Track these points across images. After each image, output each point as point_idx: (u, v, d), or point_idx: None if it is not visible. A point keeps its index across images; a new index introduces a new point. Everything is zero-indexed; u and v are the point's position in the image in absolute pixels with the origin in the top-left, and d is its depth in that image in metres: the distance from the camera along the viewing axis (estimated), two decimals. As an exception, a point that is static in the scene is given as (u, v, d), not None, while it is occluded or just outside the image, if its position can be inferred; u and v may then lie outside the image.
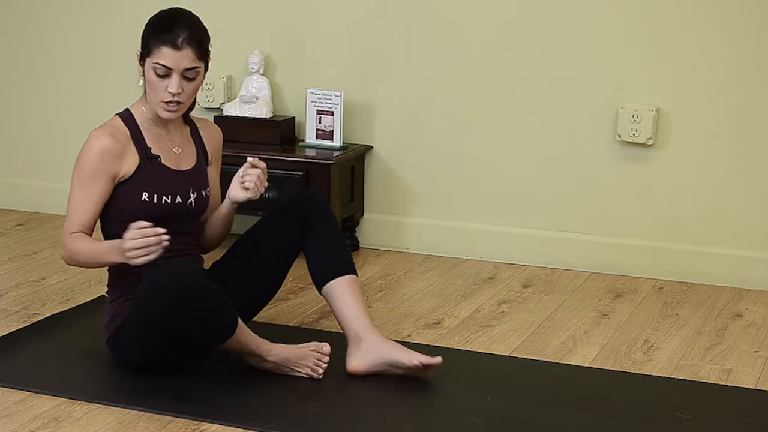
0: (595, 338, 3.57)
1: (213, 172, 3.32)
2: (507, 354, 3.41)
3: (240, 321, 3.03)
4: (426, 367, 3.11)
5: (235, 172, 3.22)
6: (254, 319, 3.37)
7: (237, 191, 3.21)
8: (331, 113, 4.34)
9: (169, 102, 3.08)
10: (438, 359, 3.11)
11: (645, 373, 3.28)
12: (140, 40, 3.10)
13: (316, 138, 4.38)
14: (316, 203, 3.30)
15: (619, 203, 4.22)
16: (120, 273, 3.14)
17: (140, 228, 2.89)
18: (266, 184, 3.19)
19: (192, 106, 3.26)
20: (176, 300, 2.89)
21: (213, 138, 3.33)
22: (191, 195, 3.17)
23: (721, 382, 3.23)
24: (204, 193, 3.22)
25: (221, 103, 4.55)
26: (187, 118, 3.28)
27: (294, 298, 3.85)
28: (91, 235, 3.08)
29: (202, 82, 3.15)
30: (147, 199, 3.10)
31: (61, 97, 4.83)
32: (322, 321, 3.64)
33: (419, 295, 3.96)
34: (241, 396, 3.01)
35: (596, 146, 4.22)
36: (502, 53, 4.26)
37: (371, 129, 4.46)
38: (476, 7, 4.26)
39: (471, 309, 3.82)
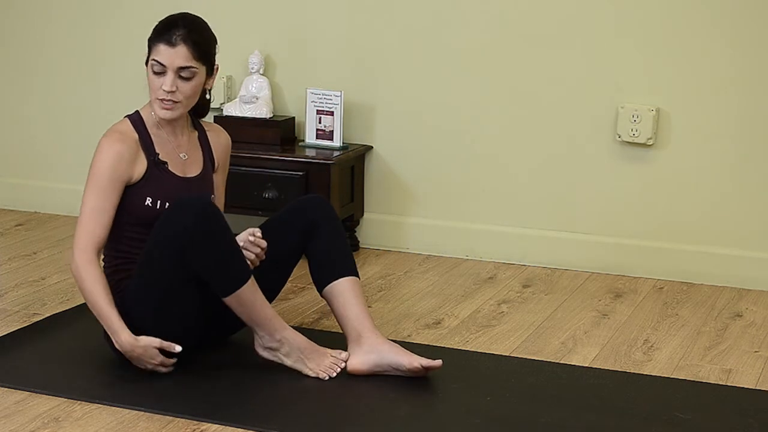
0: (595, 338, 3.56)
1: (219, 179, 3.32)
2: (507, 354, 3.41)
3: (256, 284, 3.04)
4: (426, 369, 3.11)
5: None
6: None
7: None
8: (331, 113, 4.34)
9: (164, 100, 3.09)
10: (438, 362, 3.12)
11: (645, 373, 3.28)
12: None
13: (316, 138, 4.38)
14: (322, 206, 3.30)
15: (619, 203, 4.22)
16: (116, 268, 3.15)
17: (157, 347, 3.01)
18: (263, 257, 3.18)
19: (204, 112, 3.28)
20: (200, 213, 2.94)
21: (221, 145, 3.33)
22: None
23: (721, 382, 3.23)
24: None
25: (221, 103, 4.55)
26: (196, 123, 3.29)
27: (294, 298, 3.85)
28: (102, 247, 3.08)
29: (204, 85, 3.16)
30: (150, 204, 3.10)
31: (61, 97, 4.83)
32: (322, 321, 3.63)
33: (419, 295, 3.96)
34: (241, 396, 3.01)
35: (596, 146, 4.21)
36: (502, 53, 4.26)
37: (371, 129, 4.46)
38: (476, 8, 4.26)
39: (471, 309, 3.82)
